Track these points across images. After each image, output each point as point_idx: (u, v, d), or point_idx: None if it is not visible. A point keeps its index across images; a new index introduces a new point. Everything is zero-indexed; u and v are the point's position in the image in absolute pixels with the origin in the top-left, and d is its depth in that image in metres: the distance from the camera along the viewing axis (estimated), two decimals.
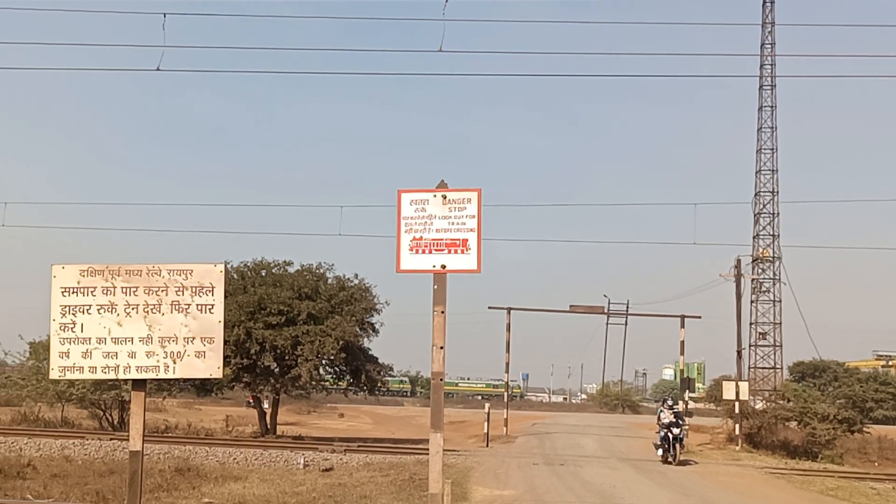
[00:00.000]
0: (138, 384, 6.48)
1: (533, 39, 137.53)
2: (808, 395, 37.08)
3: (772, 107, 47.57)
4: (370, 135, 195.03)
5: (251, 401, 37.36)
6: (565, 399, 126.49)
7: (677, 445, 22.39)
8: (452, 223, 6.56)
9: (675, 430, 22.49)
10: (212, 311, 6.54)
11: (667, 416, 22.85)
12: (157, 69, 15.97)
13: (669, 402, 24.00)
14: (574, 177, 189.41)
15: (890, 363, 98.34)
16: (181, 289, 6.51)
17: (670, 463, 22.16)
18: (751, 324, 46.51)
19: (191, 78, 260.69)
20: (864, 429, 34.21)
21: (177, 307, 6.50)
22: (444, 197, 6.59)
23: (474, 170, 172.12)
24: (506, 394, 39.20)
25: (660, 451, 22.87)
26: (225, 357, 26.49)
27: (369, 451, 23.60)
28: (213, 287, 6.58)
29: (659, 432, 23.15)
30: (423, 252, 6.53)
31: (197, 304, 6.52)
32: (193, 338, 6.47)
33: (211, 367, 6.48)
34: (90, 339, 6.53)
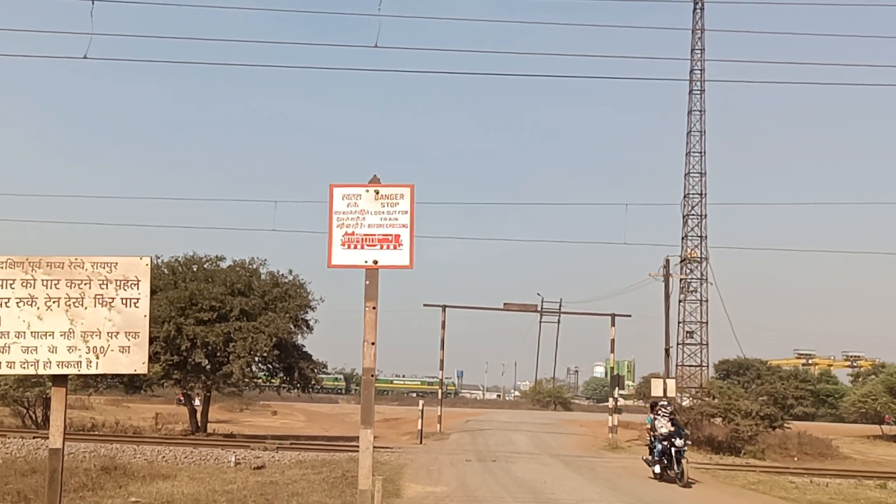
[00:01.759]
0: (59, 379, 6.29)
1: (469, 38, 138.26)
2: (733, 393, 38.03)
3: (700, 111, 48.62)
4: (305, 129, 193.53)
5: (181, 398, 36.73)
6: (499, 396, 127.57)
7: (682, 460, 17.58)
8: (385, 219, 6.54)
9: (679, 442, 17.72)
10: (137, 305, 6.38)
11: (663, 425, 18.09)
12: (84, 57, 15.55)
13: (666, 408, 18.82)
14: (508, 176, 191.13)
15: (810, 361, 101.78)
16: (105, 282, 6.34)
17: (672, 482, 17.56)
18: (679, 322, 47.51)
19: (121, 67, 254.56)
20: (785, 425, 35.29)
21: (100, 301, 6.33)
22: (377, 192, 6.56)
23: (408, 167, 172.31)
24: (440, 391, 39.33)
25: (656, 468, 18.09)
26: (155, 353, 26.16)
27: (302, 448, 23.43)
28: (138, 281, 6.42)
29: (651, 444, 18.59)
30: (355, 247, 6.49)
31: (121, 298, 6.36)
32: (117, 332, 6.31)
33: (135, 362, 6.32)
34: (8, 332, 6.32)
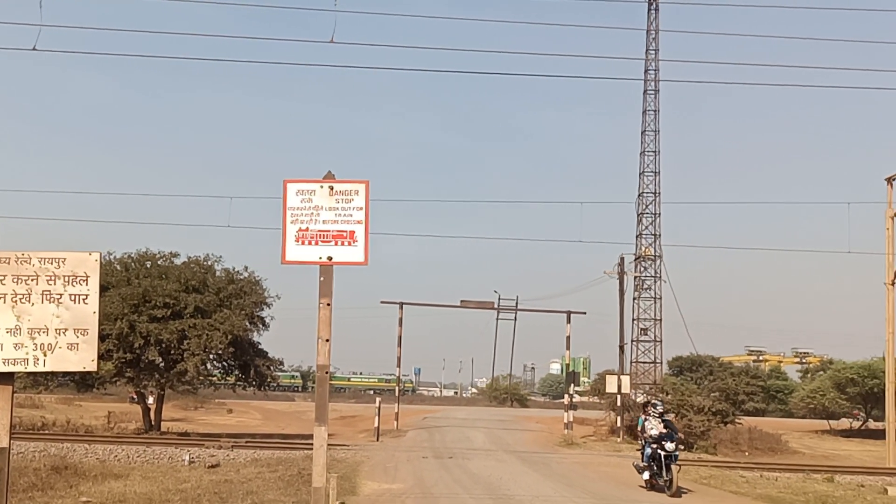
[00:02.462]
0: (5, 377, 6.15)
1: (427, 34, 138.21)
2: (686, 389, 38.68)
3: (655, 111, 49.16)
4: (260, 125, 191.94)
5: (135, 396, 36.18)
6: (456, 393, 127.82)
7: (673, 467, 15.66)
8: (339, 215, 6.50)
9: (670, 446, 15.76)
10: (86, 301, 6.26)
11: (654, 427, 16.24)
12: (34, 48, 15.22)
13: (658, 408, 16.82)
14: (465, 174, 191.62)
15: (761, 358, 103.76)
16: (53, 278, 6.21)
17: (662, 491, 15.83)
18: (633, 320, 48.01)
19: (71, 59, 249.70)
20: (737, 420, 35.97)
21: (48, 297, 6.19)
22: (332, 188, 6.52)
23: (364, 163, 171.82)
24: (397, 388, 39.29)
25: (645, 475, 16.24)
26: (107, 351, 25.71)
27: (258, 446, 23.26)
28: (87, 276, 6.29)
29: (642, 449, 16.78)
30: (310, 243, 6.45)
31: (70, 294, 6.22)
32: (66, 329, 6.18)
33: (84, 359, 6.20)
34: None
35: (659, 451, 15.84)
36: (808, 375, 78.32)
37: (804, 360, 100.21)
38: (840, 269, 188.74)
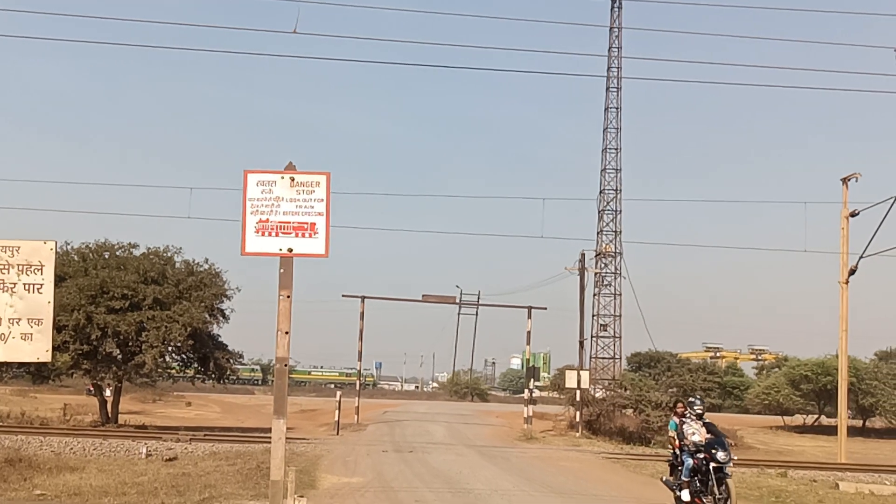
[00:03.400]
0: None
1: (390, 28, 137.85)
2: (644, 384, 39.09)
3: (617, 108, 49.65)
4: (221, 115, 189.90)
5: (91, 389, 35.66)
6: (417, 387, 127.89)
7: (729, 482, 12.18)
8: (300, 206, 6.46)
9: (722, 455, 12.13)
10: (40, 291, 6.17)
11: (696, 431, 12.57)
12: None
13: (697, 407, 12.85)
14: (427, 167, 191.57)
15: (718, 354, 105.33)
16: (6, 267, 6.10)
17: None
18: (593, 315, 48.53)
19: (30, 45, 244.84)
20: None
21: (1, 286, 6.10)
22: (293, 179, 6.48)
23: (326, 155, 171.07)
24: (358, 382, 39.25)
25: (685, 494, 12.45)
26: (63, 342, 25.36)
27: (216, 440, 23.12)
28: (42, 266, 6.20)
29: (674, 459, 13.31)
30: (270, 235, 6.41)
31: (24, 284, 6.13)
32: (19, 319, 6.08)
33: (38, 350, 6.11)
34: None
35: (706, 462, 12.23)
36: (764, 372, 79.65)
37: (760, 357, 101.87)
38: (796, 268, 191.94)
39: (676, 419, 13.36)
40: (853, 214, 27.32)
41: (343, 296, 36.69)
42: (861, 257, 27.13)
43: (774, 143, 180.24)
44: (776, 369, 71.38)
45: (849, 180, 27.26)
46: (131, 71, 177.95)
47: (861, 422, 56.16)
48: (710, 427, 12.75)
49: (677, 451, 13.08)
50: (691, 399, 13.38)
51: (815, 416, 59.04)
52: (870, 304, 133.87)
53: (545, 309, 35.50)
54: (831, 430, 39.25)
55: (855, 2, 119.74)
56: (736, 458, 13.21)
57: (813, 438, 48.63)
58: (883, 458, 32.65)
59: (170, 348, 28.44)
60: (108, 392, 31.02)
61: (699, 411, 12.80)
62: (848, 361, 30.78)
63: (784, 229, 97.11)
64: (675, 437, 13.16)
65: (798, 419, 60.36)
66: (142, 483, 13.45)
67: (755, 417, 64.20)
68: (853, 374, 45.26)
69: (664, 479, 13.92)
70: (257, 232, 6.41)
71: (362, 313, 35.54)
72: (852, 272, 27.37)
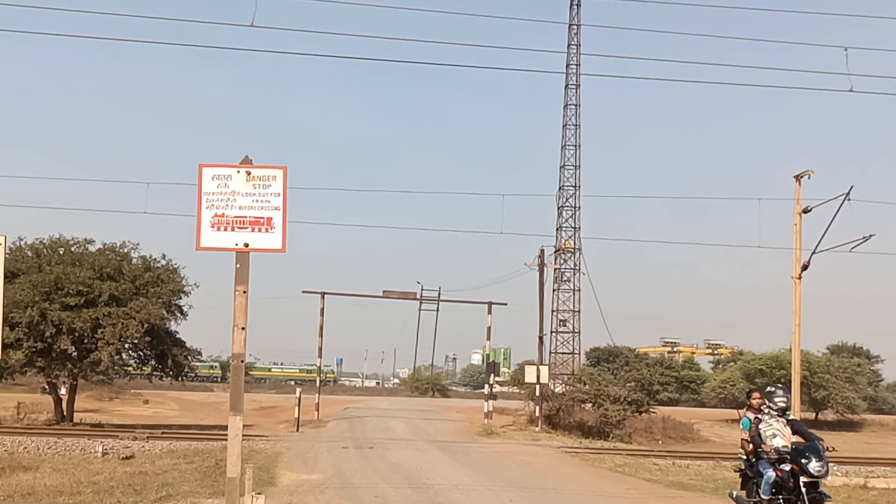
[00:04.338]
0: None
1: (349, 22, 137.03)
2: (603, 379, 39.48)
3: (576, 105, 50.13)
4: (178, 109, 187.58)
5: (46, 387, 35.07)
6: (378, 384, 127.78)
7: None
8: (257, 201, 6.41)
9: (815, 466, 9.10)
10: None
11: (778, 433, 9.63)
12: None
13: (779, 399, 9.78)
14: (387, 163, 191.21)
15: (675, 349, 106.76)
16: None
17: None
18: (552, 311, 48.93)
19: None
20: (651, 410, 36.92)
21: None
22: (249, 173, 6.42)
23: (284, 150, 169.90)
24: (318, 378, 39.04)
25: None
26: (17, 340, 24.90)
27: (174, 437, 22.92)
28: None
29: (748, 468, 10.37)
30: (226, 229, 6.35)
31: None
32: None
33: None
34: None
35: (792, 474, 9.12)
36: (720, 366, 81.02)
37: (716, 352, 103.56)
38: (751, 263, 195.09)
39: (751, 415, 10.31)
40: (806, 211, 27.82)
41: (303, 291, 36.47)
42: (813, 253, 27.65)
43: (730, 139, 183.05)
44: (732, 363, 72.69)
45: (801, 177, 27.75)
46: (83, 64, 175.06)
47: (814, 414, 57.39)
48: (796, 426, 9.82)
49: (752, 459, 10.02)
50: (770, 389, 10.04)
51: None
52: (822, 299, 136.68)
53: (505, 305, 35.67)
54: None
55: (808, 1, 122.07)
56: (835, 467, 10.20)
57: None
58: (835, 450, 33.37)
59: (126, 345, 28.12)
60: (63, 390, 30.55)
61: (782, 405, 9.75)
62: (801, 355, 31.34)
63: (739, 225, 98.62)
64: (749, 439, 9.95)
65: None
66: (97, 482, 13.29)
67: (712, 411, 65.15)
68: (806, 368, 46.21)
69: (733, 494, 10.86)
70: (213, 227, 6.34)
71: (322, 309, 35.37)
72: (805, 268, 27.88)
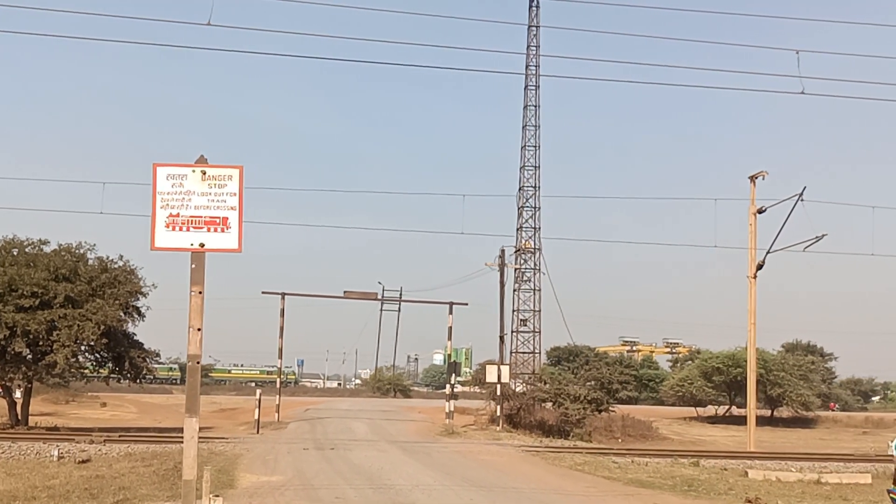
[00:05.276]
0: None
1: (307, 21, 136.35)
2: (563, 378, 39.79)
3: (535, 106, 50.37)
4: (134, 107, 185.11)
5: (0, 390, 34.39)
6: (340, 385, 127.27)
7: None
8: (212, 200, 6.36)
9: None
10: None
11: None
12: None
13: None
14: (346, 162, 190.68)
15: (634, 348, 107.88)
16: None
17: None
18: (513, 311, 49.16)
19: None
20: (610, 408, 37.28)
21: None
22: (204, 173, 6.36)
23: (242, 150, 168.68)
24: (278, 379, 38.80)
25: None
26: None
27: (132, 440, 22.61)
28: None
29: None
30: (181, 229, 6.29)
31: None
32: None
33: None
34: None
35: None
36: (678, 365, 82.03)
37: (674, 351, 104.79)
38: (708, 263, 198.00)
39: None
40: (760, 211, 28.36)
41: (263, 292, 36.23)
42: (768, 253, 28.21)
43: (688, 141, 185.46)
44: (689, 362, 73.64)
45: (756, 178, 28.27)
46: (37, 60, 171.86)
47: (769, 411, 58.37)
48: None
49: None
50: None
51: (727, 407, 61.05)
52: (777, 298, 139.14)
53: (466, 305, 35.77)
54: (742, 420, 40.70)
55: (763, 5, 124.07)
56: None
57: (724, 428, 50.31)
58: (790, 447, 34.04)
59: (83, 347, 27.61)
60: (17, 393, 29.98)
61: None
62: (756, 353, 31.94)
63: (696, 225, 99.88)
64: None
65: (711, 410, 62.33)
66: (53, 486, 13.09)
67: (670, 409, 66.00)
68: (762, 366, 46.97)
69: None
70: (167, 227, 6.28)
71: (283, 310, 35.17)
72: (760, 267, 28.41)
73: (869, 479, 18.85)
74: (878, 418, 61.39)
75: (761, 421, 44.95)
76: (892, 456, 9.22)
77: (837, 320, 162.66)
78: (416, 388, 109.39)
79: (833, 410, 75.13)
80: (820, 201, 29.01)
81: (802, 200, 26.92)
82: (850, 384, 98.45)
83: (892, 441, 9.33)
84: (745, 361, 32.46)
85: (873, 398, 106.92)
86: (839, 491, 16.48)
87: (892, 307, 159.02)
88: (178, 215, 6.30)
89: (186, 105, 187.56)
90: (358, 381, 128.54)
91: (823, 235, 27.06)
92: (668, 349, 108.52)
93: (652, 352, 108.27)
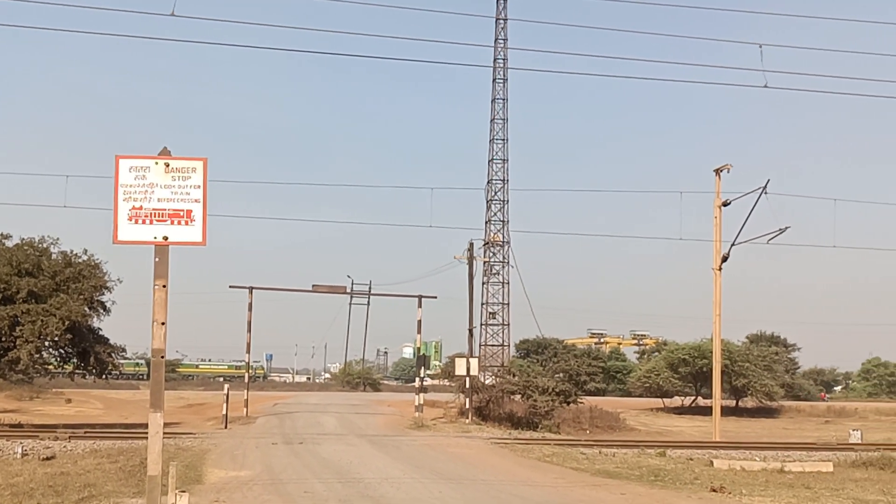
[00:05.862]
0: None
1: (274, 13, 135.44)
2: (532, 371, 39.99)
3: (504, 99, 50.50)
4: (97, 99, 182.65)
5: None
6: (309, 379, 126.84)
7: None
8: (176, 193, 6.31)
9: None
10: None
11: None
12: None
13: None
14: (314, 155, 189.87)
15: (602, 340, 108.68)
16: None
17: None
18: (482, 304, 49.34)
19: None
20: (579, 400, 37.55)
21: None
22: (167, 165, 6.29)
23: (209, 143, 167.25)
24: (247, 374, 38.53)
25: None
26: None
27: (97, 437, 22.38)
28: None
29: None
30: (144, 222, 6.22)
31: None
32: None
33: None
34: None
35: None
36: (645, 356, 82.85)
37: (641, 342, 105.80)
38: (674, 255, 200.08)
39: None
40: (725, 204, 28.67)
41: (230, 287, 35.89)
42: (732, 245, 28.54)
43: (654, 134, 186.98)
44: (656, 354, 74.42)
45: (721, 171, 28.57)
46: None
47: (734, 402, 59.17)
48: None
49: None
50: None
51: (693, 398, 61.77)
52: (742, 289, 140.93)
53: (435, 298, 35.77)
54: (707, 411, 41.22)
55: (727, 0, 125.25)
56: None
57: (690, 419, 50.91)
58: (754, 436, 34.54)
59: (47, 343, 27.29)
60: None
61: None
62: (721, 345, 32.35)
63: (661, 219, 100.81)
64: None
65: (677, 401, 63.03)
66: (16, 484, 12.91)
67: (637, 400, 66.61)
68: (727, 357, 47.59)
69: None
70: (130, 219, 6.20)
71: (251, 304, 34.93)
72: (725, 259, 28.75)
73: (831, 468, 19.18)
74: (839, 408, 62.45)
75: (726, 411, 45.57)
76: None
77: (800, 311, 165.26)
78: (385, 382, 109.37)
79: (824, 400, 76.78)
80: (783, 194, 29.53)
81: (766, 193, 27.27)
82: (812, 374, 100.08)
83: None
84: (711, 353, 32.86)
85: (835, 388, 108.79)
86: (802, 479, 16.75)
87: (852, 298, 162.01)
88: (140, 208, 6.22)
89: (150, 97, 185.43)
90: (327, 376, 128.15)
91: (787, 228, 27.44)
92: (636, 341, 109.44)
93: (619, 344, 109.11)
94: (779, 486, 15.24)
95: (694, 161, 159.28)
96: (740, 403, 59.57)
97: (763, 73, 22.75)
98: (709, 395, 46.33)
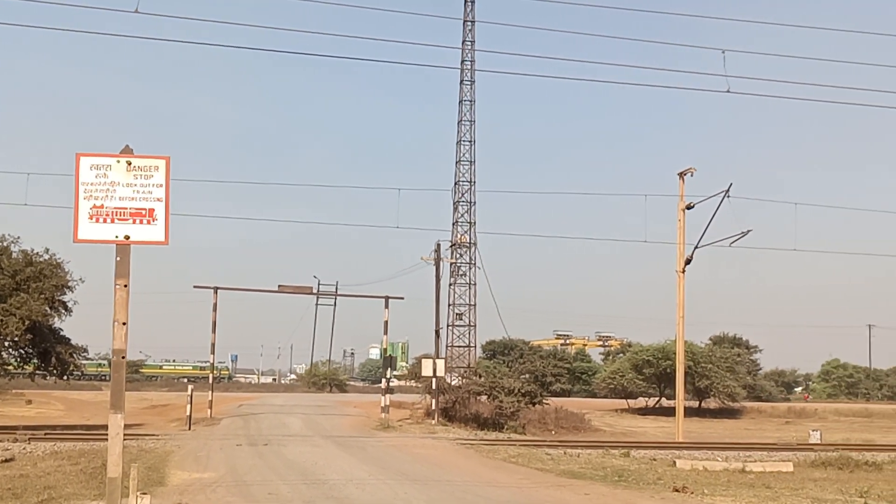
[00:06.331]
0: None
1: (240, 11, 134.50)
2: (498, 372, 40.08)
3: (471, 101, 50.64)
4: (59, 96, 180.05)
5: None
6: (275, 380, 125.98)
7: None
8: (138, 191, 6.24)
9: None
10: None
11: None
12: None
13: None
14: (280, 155, 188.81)
15: (567, 341, 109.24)
16: None
17: None
18: (449, 305, 49.36)
19: None
20: (544, 401, 37.73)
21: None
22: (129, 163, 6.22)
23: (174, 142, 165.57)
24: (211, 375, 38.20)
25: None
26: None
27: (58, 438, 22.09)
28: None
29: None
30: (105, 221, 6.14)
31: None
32: None
33: None
34: None
35: None
36: (610, 358, 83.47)
37: (606, 344, 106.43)
38: (639, 258, 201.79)
39: None
40: (689, 207, 28.98)
41: (195, 286, 35.51)
42: (696, 247, 28.87)
43: (618, 137, 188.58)
44: (621, 355, 75.00)
45: (685, 175, 28.87)
46: None
47: (697, 403, 59.79)
48: None
49: None
50: None
51: (657, 399, 62.31)
52: (705, 292, 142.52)
53: (402, 299, 35.72)
54: (671, 412, 41.59)
55: (690, 5, 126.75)
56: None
57: (654, 420, 51.35)
58: (716, 437, 34.94)
59: (6, 343, 26.91)
60: None
61: None
62: (685, 346, 32.67)
63: (628, 220, 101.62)
64: None
65: (641, 402, 63.54)
66: None
67: (602, 401, 67.01)
68: (690, 359, 48.09)
69: None
70: (91, 218, 6.12)
71: (215, 304, 34.62)
72: (688, 262, 29.07)
73: (791, 468, 19.47)
74: (800, 408, 63.39)
75: (689, 412, 46.06)
76: None
77: (762, 313, 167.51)
78: (352, 383, 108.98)
79: (807, 401, 78.07)
80: (746, 198, 29.90)
81: (729, 197, 27.62)
82: (773, 375, 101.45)
83: None
84: (675, 354, 33.19)
85: (796, 389, 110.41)
86: (762, 479, 16.98)
87: (812, 300, 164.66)
88: (102, 207, 6.15)
89: (112, 94, 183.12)
90: (293, 377, 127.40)
91: (748, 231, 27.83)
92: (601, 342, 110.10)
93: (585, 345, 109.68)
94: (740, 486, 15.44)
95: (659, 164, 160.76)
96: (703, 404, 60.20)
97: (726, 79, 23.09)
98: (672, 396, 46.76)
